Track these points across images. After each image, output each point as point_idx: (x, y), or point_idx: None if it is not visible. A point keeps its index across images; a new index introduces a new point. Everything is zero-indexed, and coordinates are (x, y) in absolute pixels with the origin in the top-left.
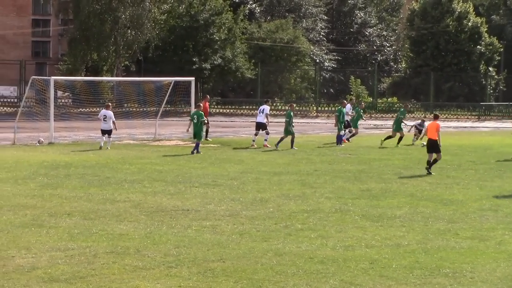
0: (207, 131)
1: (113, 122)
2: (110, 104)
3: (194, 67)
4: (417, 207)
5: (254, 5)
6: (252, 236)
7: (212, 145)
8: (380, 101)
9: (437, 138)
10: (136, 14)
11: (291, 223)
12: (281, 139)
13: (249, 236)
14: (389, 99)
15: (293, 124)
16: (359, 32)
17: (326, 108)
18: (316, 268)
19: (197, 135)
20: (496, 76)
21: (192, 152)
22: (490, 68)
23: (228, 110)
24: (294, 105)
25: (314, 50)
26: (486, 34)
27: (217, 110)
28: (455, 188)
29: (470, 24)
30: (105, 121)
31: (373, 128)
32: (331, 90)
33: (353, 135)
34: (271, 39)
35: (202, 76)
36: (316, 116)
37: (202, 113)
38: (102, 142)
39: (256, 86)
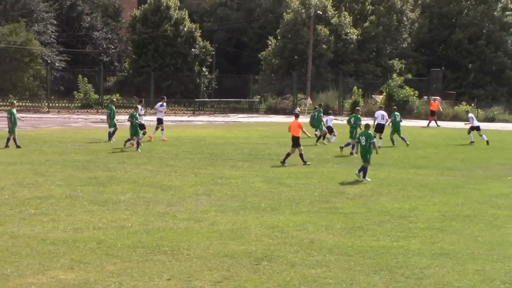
0: None
1: None
2: None
3: None
4: (139, 193)
5: None
6: None
7: None
8: (106, 98)
9: (299, 135)
10: None
11: (25, 208)
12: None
13: None
14: (113, 96)
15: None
16: (87, 35)
17: (57, 104)
18: (48, 248)
19: None
20: (209, 76)
21: None
22: (204, 69)
23: None
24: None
25: (46, 52)
26: (200, 38)
27: None
28: (173, 175)
29: (186, 29)
30: None
31: (100, 122)
32: (62, 87)
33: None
34: (6, 42)
35: None
36: (48, 112)
37: None
38: None
39: None
